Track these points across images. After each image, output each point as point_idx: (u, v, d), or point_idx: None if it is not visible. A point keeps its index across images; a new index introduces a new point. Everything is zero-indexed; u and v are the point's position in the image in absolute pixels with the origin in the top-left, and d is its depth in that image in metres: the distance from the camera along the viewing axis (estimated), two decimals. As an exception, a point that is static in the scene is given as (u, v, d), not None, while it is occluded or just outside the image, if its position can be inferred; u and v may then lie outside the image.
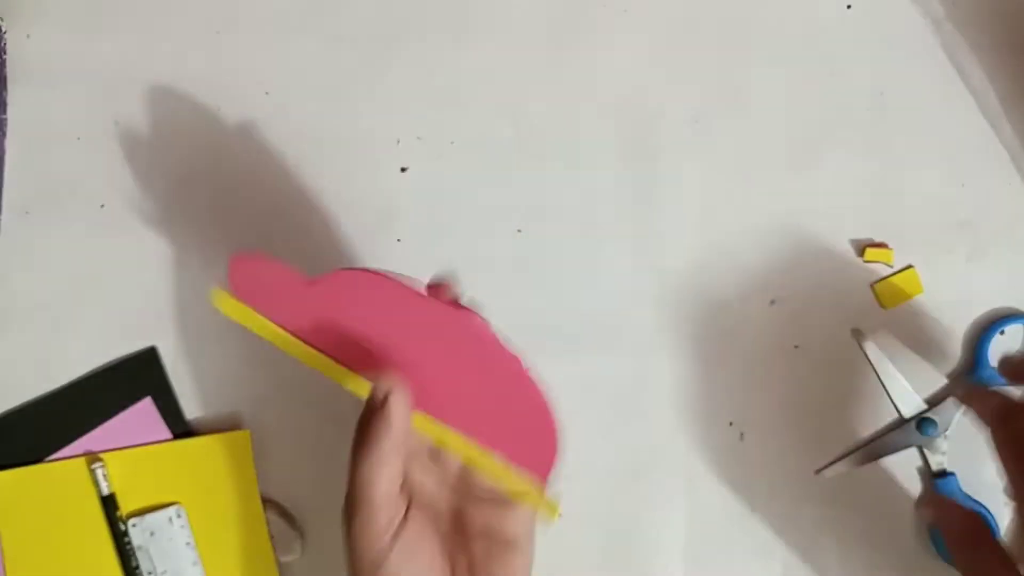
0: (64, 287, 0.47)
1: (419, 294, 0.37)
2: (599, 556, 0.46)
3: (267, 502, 0.47)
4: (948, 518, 0.39)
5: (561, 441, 0.37)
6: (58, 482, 0.45)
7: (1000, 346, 0.45)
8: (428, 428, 0.37)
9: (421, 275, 0.47)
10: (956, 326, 0.46)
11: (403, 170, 0.47)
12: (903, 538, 0.45)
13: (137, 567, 0.45)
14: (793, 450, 0.46)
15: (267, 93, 0.47)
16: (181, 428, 0.47)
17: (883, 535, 0.45)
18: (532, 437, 0.37)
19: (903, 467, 0.45)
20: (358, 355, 0.37)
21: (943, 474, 0.44)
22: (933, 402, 0.45)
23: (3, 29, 0.47)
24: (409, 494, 0.36)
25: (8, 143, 0.47)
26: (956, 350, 0.46)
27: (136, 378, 0.46)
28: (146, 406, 0.46)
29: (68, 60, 0.47)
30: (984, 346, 0.45)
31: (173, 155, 0.47)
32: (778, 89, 0.47)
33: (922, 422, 0.44)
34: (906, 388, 0.44)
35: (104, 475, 0.45)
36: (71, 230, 0.47)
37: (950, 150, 0.47)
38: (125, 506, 0.46)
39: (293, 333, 0.38)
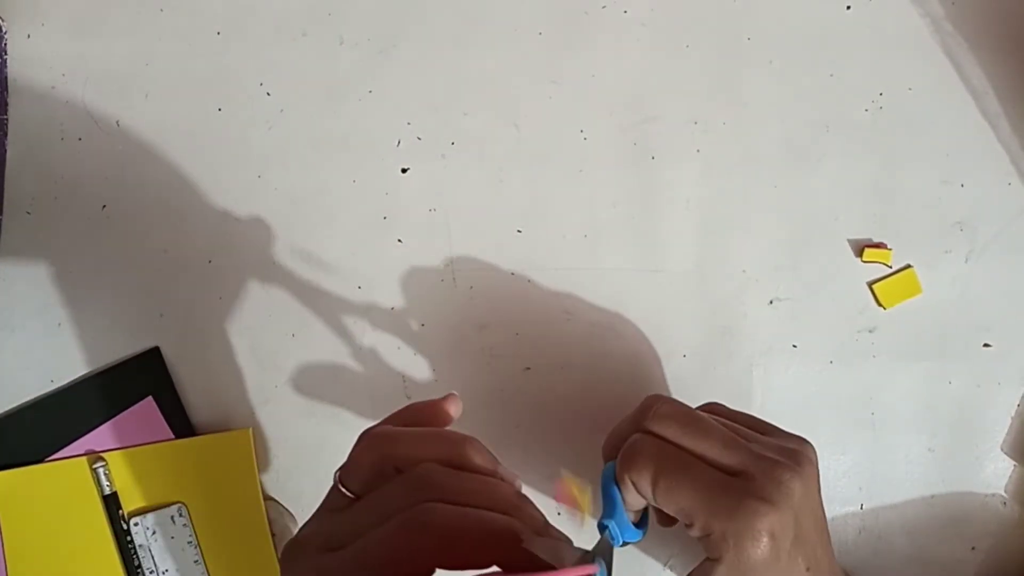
0: (64, 287, 0.47)
1: None
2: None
3: (268, 500, 0.47)
4: None
5: None
6: (60, 481, 0.46)
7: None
8: None
9: (423, 277, 0.47)
10: (955, 326, 0.46)
11: (404, 171, 0.47)
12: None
13: (139, 566, 0.46)
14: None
15: (268, 94, 0.47)
16: (183, 427, 0.47)
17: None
18: None
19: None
20: None
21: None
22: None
23: (3, 29, 0.47)
24: None
25: (8, 143, 0.47)
26: (954, 350, 0.47)
27: (138, 378, 0.47)
28: (148, 405, 0.46)
29: (68, 60, 0.47)
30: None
31: (173, 155, 0.47)
32: (777, 89, 0.47)
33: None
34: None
35: (106, 474, 0.45)
36: (71, 230, 0.47)
37: (949, 150, 0.47)
38: (127, 505, 0.46)
39: None
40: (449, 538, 0.26)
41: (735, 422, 0.37)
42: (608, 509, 0.36)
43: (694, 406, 0.46)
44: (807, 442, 0.37)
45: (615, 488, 0.36)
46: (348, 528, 0.28)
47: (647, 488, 0.35)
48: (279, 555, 0.32)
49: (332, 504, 0.31)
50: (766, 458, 0.34)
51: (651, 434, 0.35)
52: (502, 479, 0.30)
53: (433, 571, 0.26)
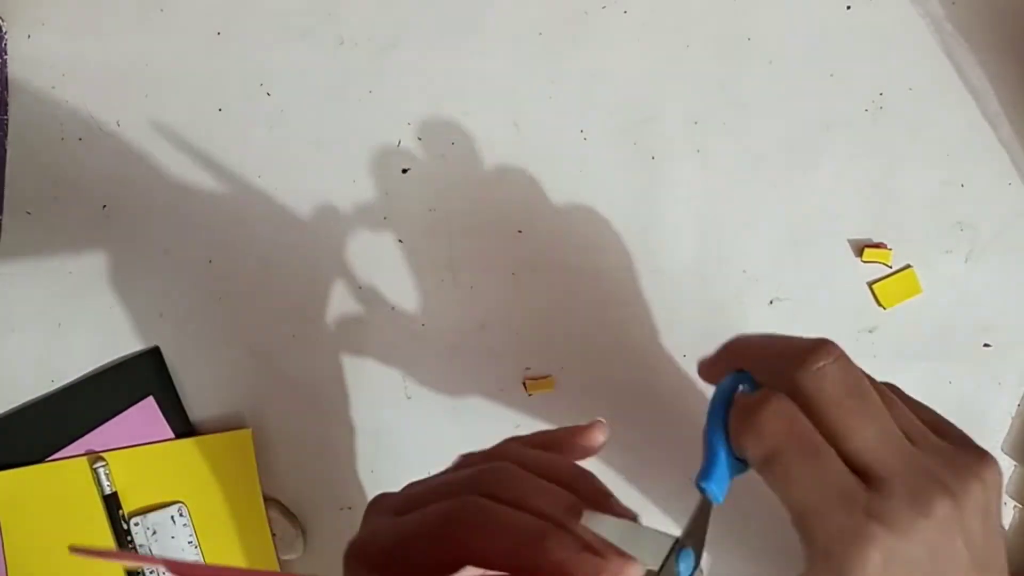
0: (65, 287, 0.47)
1: None
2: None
3: (269, 500, 0.47)
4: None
5: None
6: (61, 481, 0.46)
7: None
8: None
9: (423, 277, 0.47)
10: (955, 326, 0.46)
11: (404, 171, 0.47)
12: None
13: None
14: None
15: (268, 94, 0.47)
16: (183, 427, 0.47)
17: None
18: None
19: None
20: None
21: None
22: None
23: (3, 29, 0.47)
24: None
25: (8, 143, 0.47)
26: (954, 350, 0.47)
27: (138, 377, 0.47)
28: (148, 405, 0.47)
29: (68, 60, 0.47)
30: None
31: (173, 155, 0.47)
32: (777, 89, 0.47)
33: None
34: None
35: (106, 474, 0.45)
36: (71, 230, 0.47)
37: (949, 150, 0.47)
38: (127, 505, 0.46)
39: None
40: (478, 534, 0.26)
41: (911, 409, 0.30)
42: (708, 466, 0.30)
43: (697, 405, 0.47)
44: (987, 457, 0.28)
45: (722, 435, 0.30)
46: (417, 499, 0.29)
47: (755, 462, 0.29)
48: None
49: (438, 474, 0.31)
50: (920, 468, 0.27)
51: (795, 392, 0.28)
52: (616, 513, 0.28)
53: (463, 562, 0.26)
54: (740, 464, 0.30)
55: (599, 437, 0.32)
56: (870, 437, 0.28)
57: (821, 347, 0.29)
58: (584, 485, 0.29)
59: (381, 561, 0.27)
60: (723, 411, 0.30)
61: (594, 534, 0.27)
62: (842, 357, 0.29)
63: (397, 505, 0.30)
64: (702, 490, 0.30)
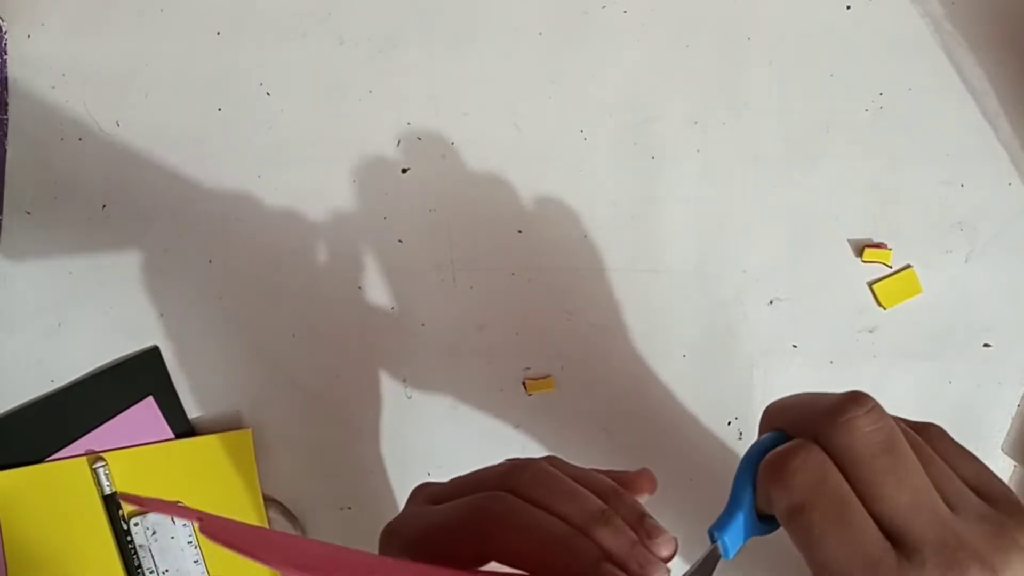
0: (64, 287, 0.47)
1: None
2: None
3: (268, 500, 0.47)
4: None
5: None
6: (60, 481, 0.46)
7: None
8: None
9: (423, 277, 0.47)
10: (955, 326, 0.46)
11: (404, 171, 0.47)
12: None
13: (139, 566, 0.46)
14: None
15: (268, 94, 0.47)
16: (183, 427, 0.47)
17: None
18: None
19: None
20: None
21: None
22: None
23: (3, 29, 0.47)
24: None
25: (8, 143, 0.47)
26: (954, 350, 0.47)
27: (138, 378, 0.47)
28: (148, 406, 0.46)
29: (68, 60, 0.47)
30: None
31: (173, 155, 0.47)
32: (778, 89, 0.47)
33: None
34: None
35: (106, 474, 0.45)
36: (71, 230, 0.47)
37: (949, 150, 0.47)
38: (127, 505, 0.46)
39: None
40: (502, 531, 0.27)
41: (951, 465, 0.28)
42: (726, 517, 0.28)
43: (697, 405, 0.47)
44: None
45: (749, 489, 0.28)
46: (453, 490, 0.30)
47: (781, 515, 0.27)
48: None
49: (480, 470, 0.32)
50: (955, 537, 0.25)
51: (827, 446, 0.27)
52: (648, 535, 0.28)
53: (486, 557, 0.27)
54: (761, 525, 0.29)
55: (646, 484, 0.31)
56: (902, 501, 0.26)
57: (851, 399, 0.28)
58: (619, 501, 0.29)
59: (411, 544, 0.29)
60: (753, 466, 0.29)
61: (617, 541, 0.27)
62: (875, 409, 0.28)
63: (436, 494, 0.31)
64: (714, 540, 0.28)
